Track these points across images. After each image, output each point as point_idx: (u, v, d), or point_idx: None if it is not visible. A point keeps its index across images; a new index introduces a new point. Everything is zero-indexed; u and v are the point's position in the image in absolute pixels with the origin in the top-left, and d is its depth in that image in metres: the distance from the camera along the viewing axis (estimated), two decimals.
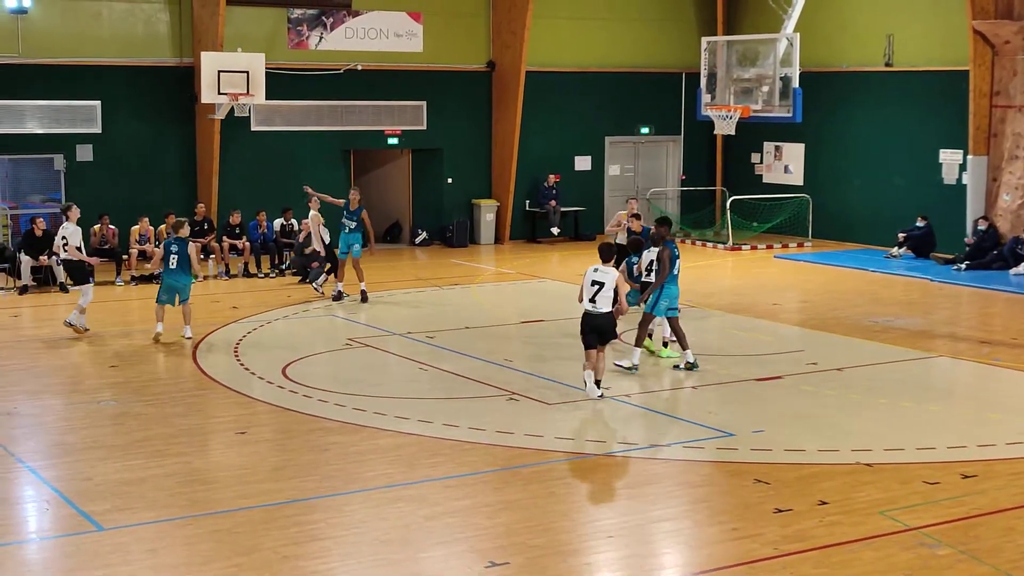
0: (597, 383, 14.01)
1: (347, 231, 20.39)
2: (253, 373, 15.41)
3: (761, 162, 31.06)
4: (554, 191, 29.19)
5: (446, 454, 11.93)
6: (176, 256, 17.23)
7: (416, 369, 15.76)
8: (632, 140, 31.21)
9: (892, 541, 9.58)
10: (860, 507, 10.36)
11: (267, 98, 24.80)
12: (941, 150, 26.85)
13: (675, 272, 15.55)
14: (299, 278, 22.89)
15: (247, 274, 23.60)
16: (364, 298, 20.50)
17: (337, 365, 16.05)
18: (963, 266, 24.37)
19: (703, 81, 23.09)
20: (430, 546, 9.55)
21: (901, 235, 26.41)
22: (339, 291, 20.66)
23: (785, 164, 30.49)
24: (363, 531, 9.84)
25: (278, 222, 24.73)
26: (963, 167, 26.30)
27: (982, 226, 25.29)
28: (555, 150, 29.81)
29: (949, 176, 26.74)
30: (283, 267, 23.96)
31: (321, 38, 27.06)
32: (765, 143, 30.74)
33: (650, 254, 15.97)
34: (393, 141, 28.37)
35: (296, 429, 12.86)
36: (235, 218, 23.92)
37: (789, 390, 14.65)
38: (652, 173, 31.67)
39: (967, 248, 25.09)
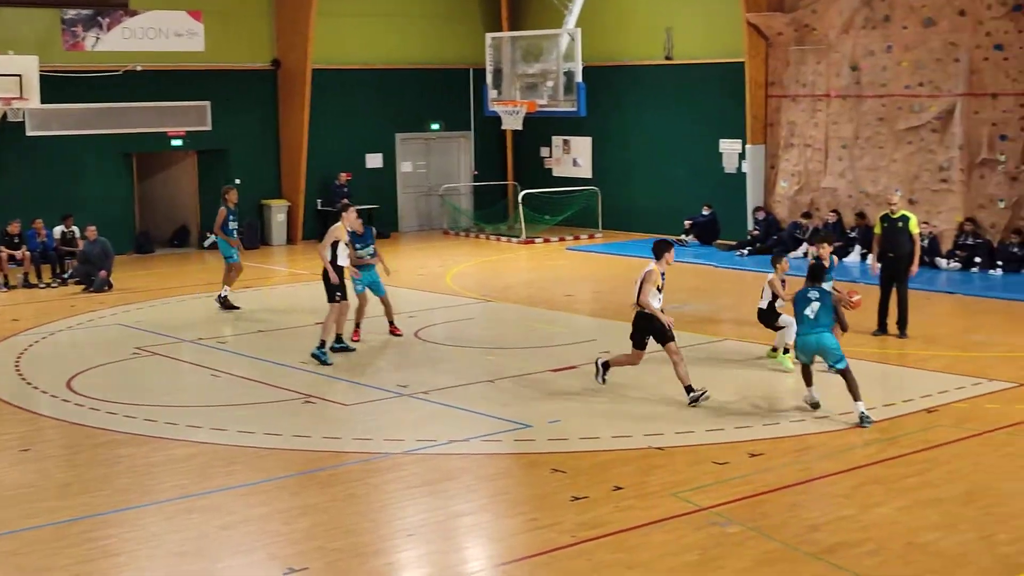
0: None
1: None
2: (36, 387, 14.85)
3: (551, 156, 31.51)
4: (346, 189, 28.97)
5: (242, 462, 11.73)
6: None
7: (208, 376, 15.44)
8: (423, 136, 31.26)
9: (684, 522, 9.84)
10: (653, 490, 10.61)
11: (42, 102, 23.91)
12: (721, 140, 27.72)
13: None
14: (83, 287, 22.18)
15: (27, 284, 22.70)
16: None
17: (125, 375, 15.59)
18: (745, 252, 25.22)
19: (489, 77, 23.29)
20: (227, 555, 9.37)
21: (687, 222, 27.18)
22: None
23: (574, 158, 31.00)
24: (157, 544, 9.59)
25: (58, 230, 23.86)
26: (742, 156, 27.21)
27: (760, 216, 26.23)
28: (345, 148, 29.61)
29: (729, 165, 27.63)
30: (65, 276, 23.15)
31: (98, 39, 26.23)
32: (554, 137, 31.19)
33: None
34: (177, 143, 27.73)
35: (84, 443, 12.45)
36: (14, 227, 22.96)
37: (583, 379, 14.88)
38: (444, 169, 31.78)
39: (749, 238, 25.96)
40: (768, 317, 15.61)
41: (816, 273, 13.28)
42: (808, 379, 13.18)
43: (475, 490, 10.93)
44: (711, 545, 9.32)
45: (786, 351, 15.18)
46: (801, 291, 13.20)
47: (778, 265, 15.60)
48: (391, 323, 17.39)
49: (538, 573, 8.96)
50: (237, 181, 28.38)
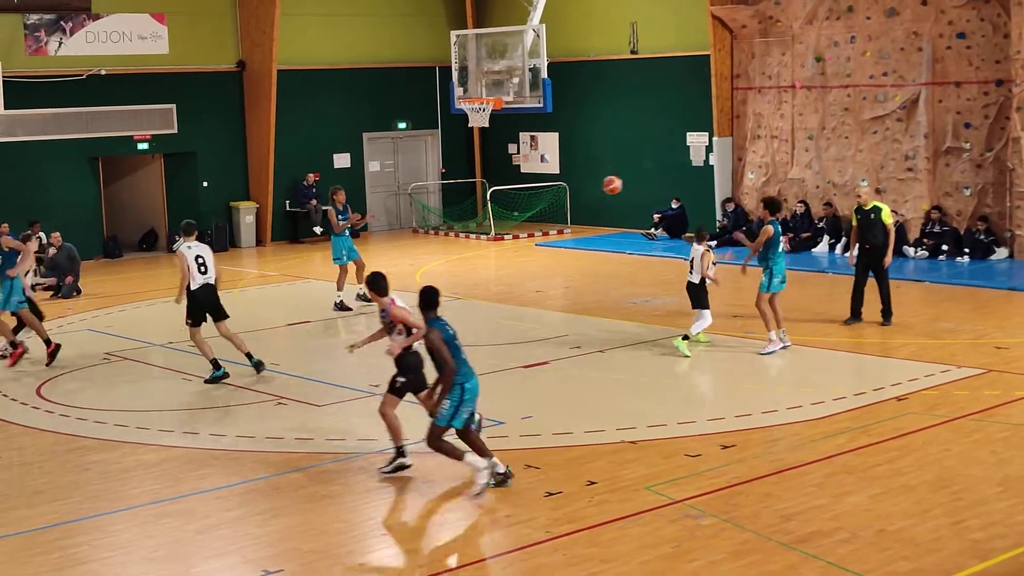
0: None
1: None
2: (5, 395, 14.73)
3: (518, 152, 31.52)
4: (314, 190, 28.92)
5: (214, 465, 11.68)
6: None
7: (180, 380, 15.37)
8: (390, 135, 31.20)
9: (659, 515, 9.86)
10: (627, 484, 10.63)
11: (6, 108, 23.74)
12: (688, 133, 27.78)
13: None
14: (51, 293, 22.04)
15: None
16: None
17: (95, 381, 15.49)
18: (714, 244, 25.25)
19: (455, 75, 23.18)
20: (201, 560, 9.33)
21: (656, 216, 27.24)
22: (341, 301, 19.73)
23: (541, 154, 31.02)
24: (130, 551, 9.54)
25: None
26: (710, 149, 27.29)
27: (730, 207, 26.38)
28: (313, 148, 29.53)
29: (697, 158, 27.70)
30: (33, 283, 22.96)
31: (61, 43, 26.07)
32: (521, 134, 31.20)
33: (694, 252, 15.81)
34: (143, 146, 27.58)
35: (54, 450, 12.37)
36: None
37: (555, 375, 14.91)
38: (412, 167, 31.73)
39: (718, 229, 26.06)
40: (698, 293, 15.81)
41: (432, 300, 10.56)
42: (481, 447, 10.64)
43: (449, 488, 10.91)
44: (685, 537, 9.35)
45: (686, 337, 15.60)
46: (442, 328, 10.51)
47: (704, 238, 15.95)
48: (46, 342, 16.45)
49: (513, 569, 8.97)
50: (204, 184, 28.33)
